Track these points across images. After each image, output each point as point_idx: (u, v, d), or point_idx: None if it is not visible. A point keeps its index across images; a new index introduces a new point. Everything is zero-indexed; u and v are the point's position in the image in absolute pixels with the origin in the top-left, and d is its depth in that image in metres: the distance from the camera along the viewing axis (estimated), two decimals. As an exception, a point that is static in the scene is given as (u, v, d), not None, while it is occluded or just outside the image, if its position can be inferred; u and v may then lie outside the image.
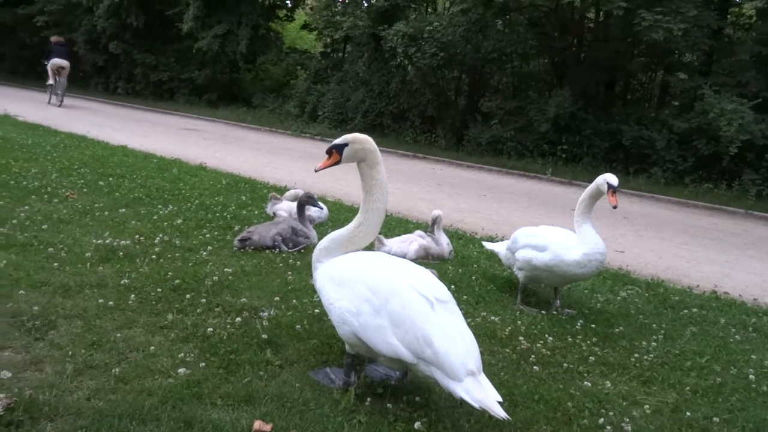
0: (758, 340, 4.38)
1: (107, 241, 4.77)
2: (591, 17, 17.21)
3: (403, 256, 5.15)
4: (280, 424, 2.53)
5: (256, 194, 7.76)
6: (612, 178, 4.22)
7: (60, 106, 19.00)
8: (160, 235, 5.13)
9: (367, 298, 2.73)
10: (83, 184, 7.06)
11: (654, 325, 4.39)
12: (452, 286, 4.56)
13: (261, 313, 3.71)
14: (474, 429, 2.71)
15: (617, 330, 4.20)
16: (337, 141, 2.99)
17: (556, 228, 4.59)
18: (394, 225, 6.81)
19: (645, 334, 4.18)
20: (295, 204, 5.90)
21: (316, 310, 3.81)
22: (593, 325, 4.20)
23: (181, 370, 2.88)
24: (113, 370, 2.82)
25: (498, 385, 2.64)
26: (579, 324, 4.20)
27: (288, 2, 27.48)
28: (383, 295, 2.70)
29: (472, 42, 17.00)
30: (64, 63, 18.86)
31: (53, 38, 20.41)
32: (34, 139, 10.48)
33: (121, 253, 4.56)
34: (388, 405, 2.79)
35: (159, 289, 3.89)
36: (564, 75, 17.08)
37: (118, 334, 3.23)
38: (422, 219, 7.34)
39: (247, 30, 23.67)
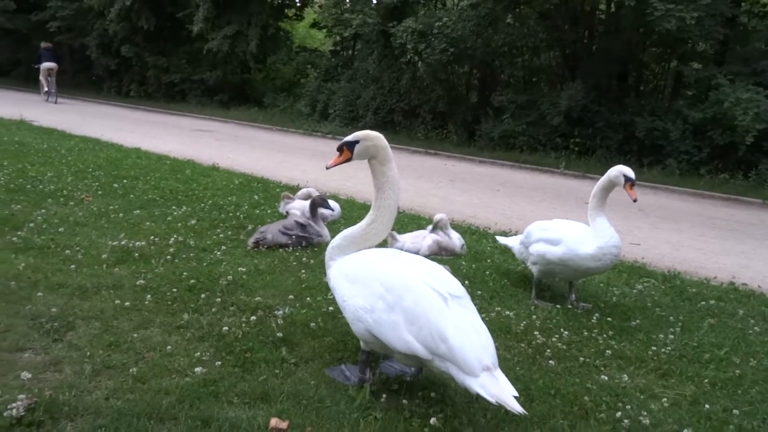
0: (778, 331, 4.32)
1: (123, 243, 4.81)
2: (602, 8, 17.04)
3: (417, 252, 5.15)
4: (296, 422, 2.54)
5: (269, 193, 7.79)
6: (628, 171, 4.18)
7: (56, 103, 21.36)
8: (175, 236, 5.17)
9: (381, 294, 2.72)
10: (98, 186, 7.13)
11: (671, 318, 4.35)
12: (466, 282, 4.55)
13: (276, 312, 3.73)
14: (490, 424, 2.70)
15: (634, 323, 4.17)
16: (348, 138, 2.99)
17: (570, 221, 4.56)
18: (407, 222, 6.80)
19: (662, 327, 4.14)
20: (307, 203, 5.92)
21: (331, 308, 3.82)
22: (609, 319, 4.18)
23: (198, 369, 2.90)
24: (131, 370, 2.85)
25: (514, 380, 2.63)
26: (595, 318, 4.17)
27: (297, 1, 27.53)
28: (397, 292, 2.70)
29: (482, 36, 16.90)
30: (53, 65, 21.87)
31: (43, 44, 23.08)
32: (49, 143, 10.60)
33: (137, 255, 4.60)
34: (403, 401, 2.79)
35: (174, 289, 3.93)
36: (576, 67, 16.92)
37: (135, 335, 3.26)
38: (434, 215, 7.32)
39: (256, 30, 23.73)
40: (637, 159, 14.33)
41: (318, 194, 5.90)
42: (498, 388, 2.47)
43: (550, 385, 3.10)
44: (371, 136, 2.98)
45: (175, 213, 6.11)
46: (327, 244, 3.60)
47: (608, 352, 3.61)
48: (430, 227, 5.72)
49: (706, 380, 3.35)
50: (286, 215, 6.25)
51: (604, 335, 3.88)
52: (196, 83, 26.04)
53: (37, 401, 2.46)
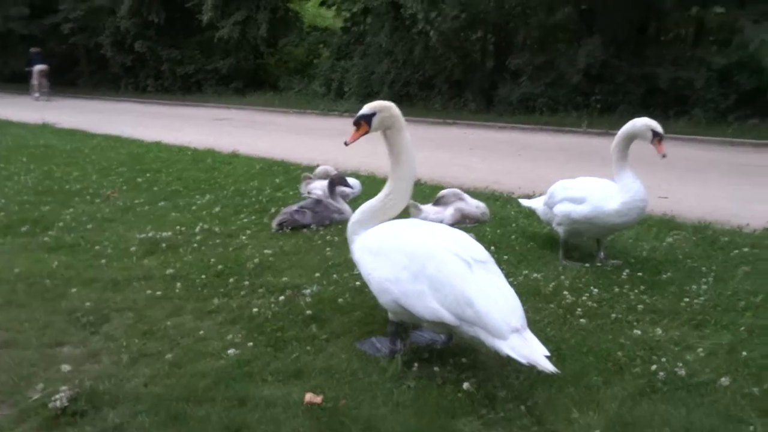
0: (816, 274, 4.21)
1: (150, 235, 4.89)
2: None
3: (440, 222, 5.13)
4: (330, 395, 2.58)
5: (290, 176, 7.82)
6: (656, 125, 4.01)
7: (48, 101, 23.61)
8: (200, 224, 5.23)
9: (404, 265, 2.72)
10: (122, 182, 7.24)
11: (703, 268, 4.27)
12: (492, 247, 4.52)
13: (303, 291, 3.76)
14: (524, 385, 2.70)
15: (665, 276, 4.10)
16: (364, 111, 2.96)
17: (594, 178, 4.46)
18: (428, 192, 6.76)
19: (694, 278, 4.06)
20: (326, 182, 5.94)
21: (357, 283, 3.84)
22: (640, 274, 4.11)
23: (231, 351, 2.95)
24: (166, 356, 2.92)
25: (545, 341, 2.61)
26: (625, 274, 4.11)
27: (304, -19, 27.29)
28: (420, 261, 2.70)
29: (495, -2, 16.53)
30: (45, 67, 24.69)
31: (32, 49, 25.66)
32: (72, 144, 10.79)
33: (164, 245, 4.68)
34: (435, 369, 2.80)
35: (203, 276, 3.99)
36: (592, 22, 16.46)
37: (168, 322, 3.33)
38: (456, 185, 7.27)
39: (265, 13, 23.64)
40: (662, 111, 13.96)
41: (336, 172, 5.90)
42: (528, 349, 2.47)
43: (582, 344, 3.08)
44: (386, 106, 2.96)
45: (199, 202, 6.18)
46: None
47: (640, 306, 3.57)
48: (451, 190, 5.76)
49: (743, 328, 3.28)
50: (309, 195, 6.27)
51: (636, 290, 3.83)
52: (211, 73, 26.13)
53: (79, 392, 2.53)
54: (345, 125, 15.35)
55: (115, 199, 6.34)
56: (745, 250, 4.70)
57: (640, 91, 14.68)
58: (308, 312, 3.40)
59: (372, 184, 7.21)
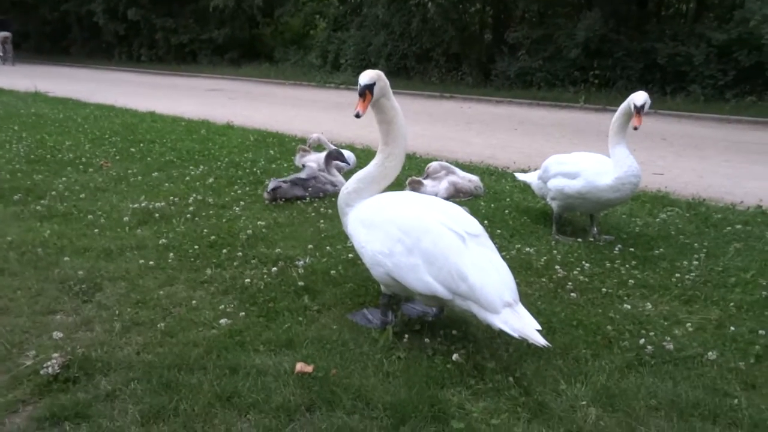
0: (807, 251, 4.24)
1: (143, 205, 4.87)
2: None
3: (434, 195, 5.12)
4: (321, 365, 2.60)
5: (285, 148, 7.78)
6: (637, 98, 3.99)
7: (14, 65, 24.89)
8: (194, 195, 5.21)
9: (398, 238, 2.72)
10: (116, 152, 7.18)
11: (695, 245, 4.29)
12: (485, 222, 4.52)
13: (296, 262, 3.77)
14: (513, 357, 2.73)
15: (657, 252, 4.12)
16: (366, 81, 2.89)
17: (588, 153, 4.46)
18: (423, 166, 6.73)
19: (686, 254, 4.09)
20: (323, 154, 5.93)
21: (350, 255, 3.85)
22: (632, 249, 4.13)
23: (223, 321, 2.97)
24: (159, 325, 2.93)
25: (536, 315, 2.63)
26: (617, 249, 4.13)
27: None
28: (414, 234, 2.69)
29: (494, -31, 16.30)
30: (8, 34, 25.88)
31: None
32: (65, 112, 10.67)
33: (158, 215, 4.66)
34: (425, 340, 2.82)
35: (196, 246, 3.98)
36: (592, -5, 16.27)
37: (161, 292, 3.33)
38: (451, 159, 7.25)
39: (261, -18, 23.24)
40: (660, 87, 13.90)
41: (328, 142, 5.87)
42: (520, 323, 2.49)
43: (573, 317, 3.10)
44: (381, 75, 2.92)
45: (192, 173, 6.14)
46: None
47: (631, 281, 3.59)
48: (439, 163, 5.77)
49: (732, 304, 3.32)
50: (303, 168, 6.25)
51: (627, 265, 3.85)
52: (206, 43, 25.77)
53: (71, 359, 2.55)
54: (342, 98, 15.27)
55: (108, 168, 6.29)
56: (738, 227, 4.72)
57: (638, 67, 14.57)
58: (300, 283, 3.41)
59: (369, 157, 7.17)
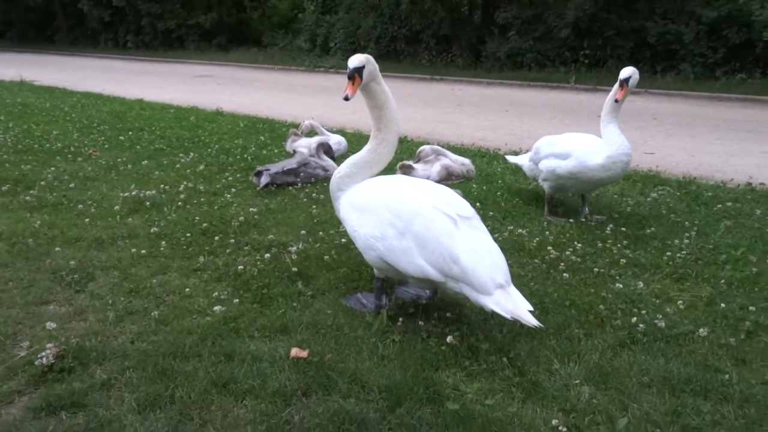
0: (796, 227, 4.27)
1: (134, 194, 4.84)
2: None
3: (426, 179, 5.12)
4: (316, 350, 2.60)
5: (275, 133, 7.74)
6: (623, 71, 4.06)
7: None
8: (185, 183, 5.18)
9: (390, 222, 2.72)
10: (104, 140, 7.12)
11: (686, 223, 4.32)
12: (477, 204, 4.53)
13: (289, 248, 3.76)
14: (507, 338, 2.75)
15: (648, 231, 4.15)
16: (355, 64, 2.87)
17: (579, 134, 4.46)
18: (415, 150, 6.71)
19: (677, 233, 4.12)
20: (313, 139, 5.91)
21: (343, 240, 3.85)
22: (623, 229, 4.15)
23: (217, 308, 2.96)
24: (153, 314, 2.92)
25: (528, 295, 2.65)
26: (609, 229, 4.15)
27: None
28: (406, 218, 2.69)
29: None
30: None
31: None
32: (51, 101, 10.55)
33: (149, 204, 4.63)
34: (420, 323, 2.84)
35: (188, 234, 3.97)
36: (582, -26, 16.15)
37: (154, 280, 3.33)
38: (443, 142, 7.24)
39: (248, -35, 22.94)
40: (650, 66, 13.89)
41: (321, 128, 5.86)
42: (512, 304, 2.50)
43: (565, 297, 3.13)
44: (370, 59, 2.90)
45: (183, 160, 6.10)
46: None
47: (623, 261, 3.62)
48: (430, 146, 5.76)
49: (723, 281, 3.35)
50: (294, 153, 6.22)
51: (619, 245, 3.87)
52: (193, 28, 25.47)
53: (66, 349, 2.54)
54: (331, 82, 15.17)
55: (97, 157, 6.24)
56: (728, 204, 4.76)
57: (628, 46, 14.55)
58: (294, 269, 3.41)
59: (359, 141, 7.15)
